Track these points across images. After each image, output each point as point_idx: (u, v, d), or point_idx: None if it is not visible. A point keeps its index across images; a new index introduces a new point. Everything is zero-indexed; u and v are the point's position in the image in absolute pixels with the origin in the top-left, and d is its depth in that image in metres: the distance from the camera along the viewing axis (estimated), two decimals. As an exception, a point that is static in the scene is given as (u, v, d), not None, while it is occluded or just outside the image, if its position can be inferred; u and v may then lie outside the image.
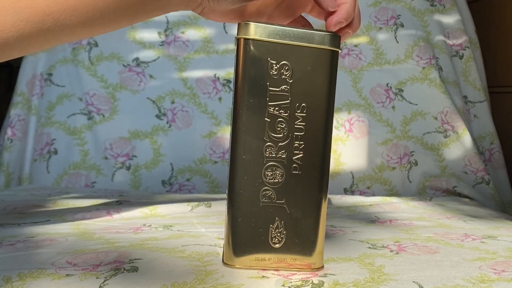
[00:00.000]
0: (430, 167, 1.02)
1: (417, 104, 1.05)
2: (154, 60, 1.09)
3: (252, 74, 0.42)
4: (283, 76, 0.42)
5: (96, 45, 1.10)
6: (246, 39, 0.42)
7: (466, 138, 1.02)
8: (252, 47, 0.42)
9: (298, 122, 0.43)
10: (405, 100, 1.06)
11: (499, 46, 1.19)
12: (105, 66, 1.09)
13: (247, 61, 0.42)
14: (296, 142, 0.43)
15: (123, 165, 1.03)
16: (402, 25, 1.10)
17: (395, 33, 1.10)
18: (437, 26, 1.12)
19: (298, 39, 0.42)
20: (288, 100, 0.42)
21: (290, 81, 0.42)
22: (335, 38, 0.43)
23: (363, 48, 1.09)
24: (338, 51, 0.43)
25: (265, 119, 0.42)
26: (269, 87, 0.42)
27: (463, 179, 1.01)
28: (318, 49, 0.43)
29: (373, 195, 1.00)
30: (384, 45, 1.09)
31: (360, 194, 1.01)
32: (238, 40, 0.42)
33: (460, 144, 1.02)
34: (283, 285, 0.42)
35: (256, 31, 0.42)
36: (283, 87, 0.42)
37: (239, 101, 0.42)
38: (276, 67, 0.42)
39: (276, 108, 0.42)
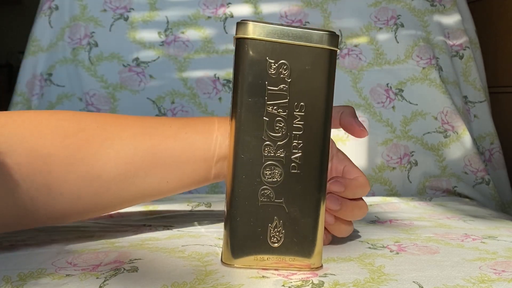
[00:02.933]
0: (430, 167, 1.02)
1: (417, 104, 1.05)
2: (154, 60, 1.09)
3: (251, 74, 0.42)
4: (282, 75, 0.42)
5: (96, 45, 1.10)
6: (244, 39, 0.42)
7: (466, 138, 1.02)
8: (250, 47, 0.42)
9: (297, 121, 0.43)
10: (405, 100, 1.06)
11: (499, 46, 1.19)
12: (105, 66, 1.09)
13: (245, 61, 0.42)
14: (294, 141, 0.43)
15: (123, 165, 1.03)
16: (402, 25, 1.10)
17: (395, 33, 1.10)
18: (437, 26, 1.12)
19: (297, 39, 0.42)
20: (287, 99, 0.42)
21: (289, 80, 0.42)
22: (334, 37, 0.43)
23: (363, 48, 1.09)
24: (336, 50, 0.43)
25: (264, 118, 0.42)
26: (268, 86, 0.42)
27: (463, 179, 1.01)
28: (316, 48, 0.43)
29: (373, 195, 1.00)
30: (384, 45, 1.09)
31: (360, 194, 1.00)
32: (236, 40, 0.42)
33: (460, 144, 1.02)
34: (283, 285, 0.42)
35: (254, 30, 0.42)
36: (281, 86, 0.42)
37: (237, 100, 0.42)
38: (274, 66, 0.42)
39: (275, 107, 0.42)
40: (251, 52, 0.42)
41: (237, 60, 0.42)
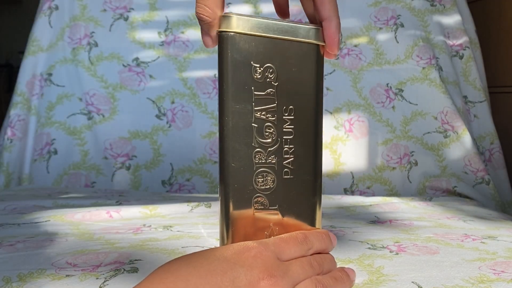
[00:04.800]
0: (430, 167, 1.02)
1: (417, 104, 1.05)
2: (154, 60, 1.09)
3: (236, 80, 0.40)
4: (268, 79, 0.41)
5: (96, 45, 1.10)
6: (227, 32, 0.40)
7: (466, 138, 1.02)
8: (234, 42, 0.40)
9: (287, 125, 0.42)
10: (405, 100, 1.06)
11: (499, 46, 1.19)
12: (105, 66, 1.09)
13: (229, 61, 0.40)
14: (286, 146, 0.42)
15: (123, 165, 1.03)
16: (402, 25, 1.10)
17: (395, 33, 1.10)
18: (437, 26, 1.12)
19: (282, 33, 0.41)
20: (275, 103, 0.41)
21: (276, 84, 0.41)
22: (321, 31, 0.41)
23: (363, 48, 1.09)
24: (323, 45, 0.42)
25: (252, 124, 0.41)
26: (254, 91, 0.41)
27: (463, 179, 1.01)
28: (303, 45, 0.41)
29: (373, 195, 1.00)
30: (384, 45, 1.09)
31: (360, 194, 1.01)
32: (219, 34, 0.40)
33: (460, 144, 1.02)
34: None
35: (238, 24, 0.40)
36: (268, 90, 0.41)
37: (224, 107, 0.41)
38: (260, 71, 0.41)
39: (263, 113, 0.41)
40: (234, 50, 0.40)
41: (220, 59, 0.41)
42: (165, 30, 1.11)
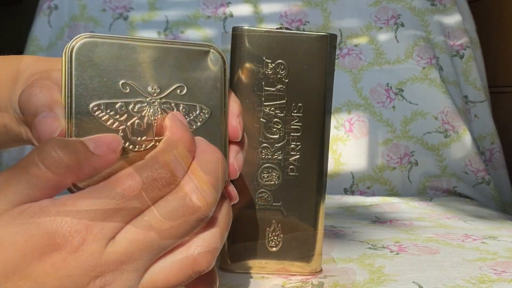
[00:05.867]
0: (431, 167, 1.02)
1: (417, 104, 1.05)
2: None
3: (247, 74, 0.41)
4: (279, 76, 0.41)
5: (96, 45, 1.09)
6: (238, 30, 0.41)
7: (467, 138, 1.02)
8: (246, 42, 0.40)
9: (295, 122, 0.42)
10: (405, 100, 1.05)
11: (499, 46, 1.19)
12: (104, 66, 1.09)
13: (240, 58, 0.41)
14: (292, 143, 0.42)
15: (123, 165, 1.03)
16: (403, 25, 1.10)
17: (395, 33, 1.10)
18: (438, 26, 1.12)
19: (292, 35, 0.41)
20: (284, 100, 0.41)
21: (286, 81, 0.41)
22: (333, 36, 0.42)
23: (363, 48, 1.09)
24: (335, 46, 0.42)
25: (261, 119, 0.41)
26: (265, 86, 0.41)
27: (463, 179, 1.01)
28: (314, 41, 0.41)
29: (373, 195, 1.00)
30: (384, 45, 1.09)
31: (360, 194, 1.00)
32: (233, 33, 0.41)
33: (460, 144, 1.02)
34: (282, 286, 0.42)
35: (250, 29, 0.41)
36: (279, 86, 0.41)
37: None
38: (271, 66, 0.41)
39: (272, 109, 0.41)
40: (247, 46, 0.40)
41: (232, 54, 0.41)
42: (165, 30, 1.11)
